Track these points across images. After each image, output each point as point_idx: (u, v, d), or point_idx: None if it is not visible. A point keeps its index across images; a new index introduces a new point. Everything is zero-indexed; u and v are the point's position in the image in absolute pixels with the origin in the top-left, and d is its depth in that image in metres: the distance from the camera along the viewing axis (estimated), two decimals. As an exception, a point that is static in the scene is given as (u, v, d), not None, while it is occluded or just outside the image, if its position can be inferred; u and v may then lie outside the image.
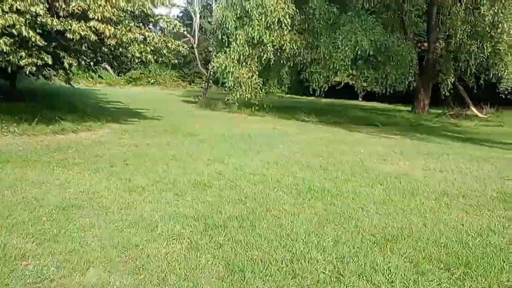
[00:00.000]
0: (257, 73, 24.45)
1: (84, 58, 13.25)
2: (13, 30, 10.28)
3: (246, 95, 24.11)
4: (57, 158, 8.96)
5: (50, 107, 16.49)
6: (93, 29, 11.35)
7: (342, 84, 36.96)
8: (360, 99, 50.92)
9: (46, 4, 10.61)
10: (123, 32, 11.75)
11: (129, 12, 12.24)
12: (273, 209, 6.10)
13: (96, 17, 11.11)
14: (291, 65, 24.80)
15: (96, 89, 39.11)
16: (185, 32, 31.46)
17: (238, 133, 15.33)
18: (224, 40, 24.74)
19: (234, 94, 24.25)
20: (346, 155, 11.36)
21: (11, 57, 10.64)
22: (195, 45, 39.57)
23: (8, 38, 10.11)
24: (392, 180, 8.38)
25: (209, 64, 35.36)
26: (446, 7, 26.60)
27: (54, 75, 13.77)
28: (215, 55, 25.33)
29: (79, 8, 11.07)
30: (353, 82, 47.73)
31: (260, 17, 22.76)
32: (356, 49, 21.40)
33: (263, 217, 5.71)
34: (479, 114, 29.84)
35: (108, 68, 24.77)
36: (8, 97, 16.73)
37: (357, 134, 17.12)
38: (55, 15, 11.05)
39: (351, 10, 24.60)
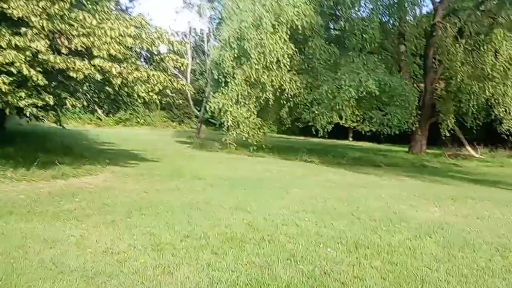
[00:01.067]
0: (255, 112, 23.84)
1: (86, 98, 12.38)
2: (12, 68, 9.46)
3: (244, 135, 23.41)
4: (65, 208, 8.04)
5: (44, 150, 15.52)
6: (97, 67, 10.59)
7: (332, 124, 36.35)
8: (350, 138, 50.72)
9: (47, 41, 9.82)
10: (130, 71, 10.99)
11: (134, 50, 11.56)
12: (332, 272, 5.25)
13: (101, 55, 10.35)
14: (291, 105, 24.23)
15: (85, 129, 38.18)
16: (177, 72, 30.85)
17: (245, 176, 14.63)
18: (220, 80, 24.18)
19: (232, 134, 23.52)
20: (370, 200, 10.76)
21: (9, 97, 9.78)
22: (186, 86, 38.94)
23: (7, 76, 9.26)
24: (437, 230, 7.68)
25: (202, 105, 34.91)
26: (444, 47, 26.46)
27: (42, 116, 12.84)
28: (212, 95, 24.67)
29: (82, 45, 10.32)
30: (343, 122, 47.98)
31: (259, 57, 22.28)
32: (361, 89, 20.88)
33: (326, 284, 4.86)
34: (475, 154, 29.66)
35: (97, 109, 23.94)
36: (-3, 139, 15.69)
37: (367, 176, 16.46)
38: (55, 52, 10.26)
39: (350, 50, 24.34)
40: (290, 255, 5.84)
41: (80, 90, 12.23)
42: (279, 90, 22.90)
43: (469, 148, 30.37)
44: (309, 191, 11.85)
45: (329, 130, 23.00)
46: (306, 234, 7.07)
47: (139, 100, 12.41)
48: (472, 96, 25.83)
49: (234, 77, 23.29)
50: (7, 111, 10.85)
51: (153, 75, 11.94)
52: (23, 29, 9.36)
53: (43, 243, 5.85)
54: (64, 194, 9.46)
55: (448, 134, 28.47)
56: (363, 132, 39.80)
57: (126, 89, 11.84)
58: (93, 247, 5.82)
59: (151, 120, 52.31)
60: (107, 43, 10.36)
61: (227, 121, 23.33)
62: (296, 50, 23.02)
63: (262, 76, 22.63)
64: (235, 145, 23.67)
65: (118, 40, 10.62)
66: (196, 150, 25.10)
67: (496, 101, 25.26)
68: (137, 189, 10.78)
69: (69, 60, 9.89)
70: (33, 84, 10.06)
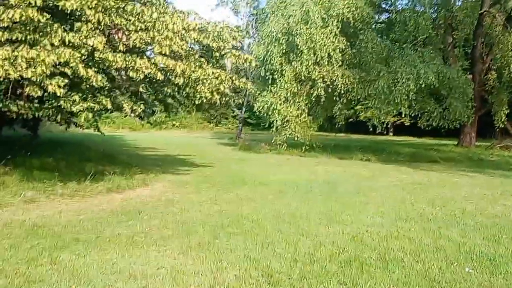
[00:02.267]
0: (306, 110, 22.50)
1: (143, 101, 11.17)
2: (66, 69, 8.31)
3: (296, 134, 22.08)
4: (137, 230, 6.84)
5: (87, 159, 14.55)
6: (159, 66, 9.41)
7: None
8: (391, 133, 49.02)
9: (103, 37, 8.65)
10: (194, 69, 9.77)
11: (199, 46, 10.36)
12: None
13: (163, 52, 9.14)
14: (344, 101, 22.85)
15: (121, 135, 37.35)
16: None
17: (311, 179, 13.38)
18: (268, 77, 22.86)
19: (282, 134, 22.22)
20: (458, 201, 9.86)
21: (62, 102, 8.64)
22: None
23: (62, 78, 8.09)
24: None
25: (243, 105, 33.73)
26: (494, 37, 24.91)
27: (95, 121, 11.66)
28: (258, 93, 23.36)
29: (141, 41, 9.13)
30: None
31: (310, 52, 20.95)
32: (420, 82, 19.41)
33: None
34: None
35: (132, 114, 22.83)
36: (32, 149, 14.50)
37: (434, 174, 15.15)
38: (111, 50, 9.08)
39: (401, 43, 22.94)
40: (431, 281, 4.78)
41: (136, 91, 11.01)
42: (331, 86, 21.50)
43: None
44: (388, 194, 10.74)
45: (388, 126, 21.55)
46: (425, 249, 6.04)
47: (203, 100, 11.12)
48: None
49: (282, 74, 21.98)
50: (58, 117, 9.78)
51: (215, 73, 10.71)
52: (77, 24, 8.19)
53: (131, 281, 4.66)
54: (128, 212, 8.28)
55: (502, 126, 27.08)
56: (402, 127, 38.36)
57: (187, 89, 10.61)
58: (195, 282, 4.63)
59: (187, 122, 51.45)
60: (169, 38, 9.13)
61: (277, 120, 22.04)
62: (347, 44, 21.63)
63: (312, 72, 21.28)
64: (286, 145, 22.34)
65: (181, 35, 9.41)
66: (244, 152, 23.85)
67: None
68: (204, 201, 9.57)
69: (128, 59, 8.69)
70: (87, 86, 8.93)
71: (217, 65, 12.07)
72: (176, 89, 11.00)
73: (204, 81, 10.27)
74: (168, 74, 9.87)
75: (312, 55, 20.99)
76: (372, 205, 9.21)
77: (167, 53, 9.24)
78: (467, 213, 8.50)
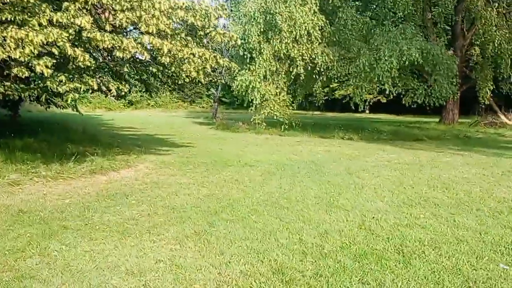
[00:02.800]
0: (284, 89, 22.32)
1: (129, 81, 10.79)
2: (53, 49, 7.96)
3: (275, 113, 21.91)
4: (126, 216, 6.57)
5: (68, 139, 14.12)
6: (145, 45, 9.08)
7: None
8: (367, 111, 49.23)
9: (90, 17, 8.29)
10: (179, 48, 9.45)
11: (185, 24, 10.01)
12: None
13: (150, 31, 8.81)
14: (324, 79, 22.70)
15: (98, 114, 36.70)
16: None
17: (296, 159, 13.21)
18: (246, 56, 22.56)
19: (261, 113, 22.02)
20: (460, 183, 9.41)
21: (48, 82, 8.28)
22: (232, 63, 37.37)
23: (49, 58, 7.73)
24: None
25: (218, 84, 33.29)
26: (477, 12, 24.82)
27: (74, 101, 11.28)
28: (236, 72, 23.04)
29: (127, 20, 8.77)
30: (352, 94, 46.43)
31: (289, 30, 20.71)
32: (403, 59, 19.29)
33: None
34: (508, 122, 28.24)
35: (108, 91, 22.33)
36: (13, 129, 14.05)
37: (422, 153, 14.93)
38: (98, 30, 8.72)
39: (381, 19, 22.80)
40: (465, 279, 4.42)
41: (120, 71, 10.64)
42: (310, 64, 21.34)
43: (502, 115, 29.02)
44: (381, 175, 10.42)
45: (370, 103, 21.53)
46: (445, 240, 5.64)
47: (186, 80, 10.83)
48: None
49: (261, 53, 21.71)
50: (43, 97, 9.41)
51: (199, 52, 10.40)
52: (65, 4, 7.82)
53: (129, 278, 4.42)
54: (114, 195, 8.00)
55: (487, 102, 27.00)
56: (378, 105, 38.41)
57: (173, 68, 10.29)
58: (198, 279, 4.41)
59: (162, 101, 50.82)
60: (155, 17, 8.80)
61: (256, 99, 21.82)
62: (327, 22, 21.41)
63: (292, 50, 21.07)
64: (265, 124, 22.17)
65: (167, 13, 9.08)
66: (222, 132, 23.59)
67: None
68: (191, 183, 9.35)
69: (116, 38, 8.35)
70: (74, 66, 8.57)
71: (201, 44, 11.73)
72: (161, 68, 10.64)
73: (190, 60, 9.95)
74: (155, 53, 9.53)
75: (291, 33, 20.76)
76: (368, 187, 8.97)
77: (154, 32, 8.92)
78: (475, 196, 8.13)
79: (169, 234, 5.75)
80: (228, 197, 7.98)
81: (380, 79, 19.60)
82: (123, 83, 9.98)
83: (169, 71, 10.91)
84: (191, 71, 10.07)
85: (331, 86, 37.23)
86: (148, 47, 9.35)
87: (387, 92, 20.51)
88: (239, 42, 11.13)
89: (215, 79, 13.08)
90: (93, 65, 8.96)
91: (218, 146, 16.63)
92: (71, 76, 8.50)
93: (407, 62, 19.48)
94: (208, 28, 10.87)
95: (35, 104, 18.93)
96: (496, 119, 28.14)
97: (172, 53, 9.26)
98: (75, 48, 7.79)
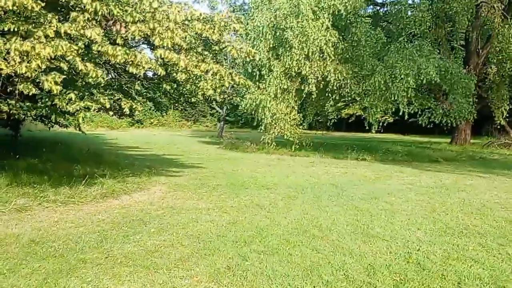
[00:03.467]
0: (296, 108, 21.74)
1: (141, 99, 10.14)
2: (62, 64, 7.36)
3: (285, 133, 21.30)
4: (148, 247, 5.95)
5: (73, 160, 13.51)
6: (159, 61, 8.48)
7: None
8: (373, 131, 48.49)
9: (101, 29, 7.70)
10: (196, 64, 8.85)
11: (202, 38, 9.41)
12: None
13: (164, 44, 8.21)
14: (336, 98, 22.10)
15: (101, 133, 36.13)
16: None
17: (314, 182, 12.61)
18: (254, 73, 22.05)
19: (271, 133, 21.42)
20: (493, 209, 8.90)
21: (57, 100, 7.65)
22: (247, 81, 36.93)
23: (58, 74, 7.11)
24: None
25: (224, 102, 32.74)
26: (493, 29, 24.26)
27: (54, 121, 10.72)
28: (245, 90, 22.48)
29: (140, 33, 8.18)
30: (366, 114, 45.95)
31: (300, 46, 20.17)
32: (421, 78, 18.67)
33: None
34: None
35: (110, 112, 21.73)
36: (16, 150, 13.39)
37: (442, 175, 14.41)
38: (109, 43, 8.12)
39: (397, 36, 22.26)
40: None
41: (132, 88, 10.03)
42: (322, 82, 20.78)
43: (513, 135, 28.43)
44: (408, 200, 9.86)
45: (384, 124, 20.89)
46: (505, 277, 5.08)
47: (201, 98, 10.24)
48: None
49: (271, 70, 21.17)
50: (52, 117, 8.79)
51: (214, 68, 9.78)
52: (73, 14, 7.21)
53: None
54: (132, 223, 7.37)
55: (503, 123, 26.32)
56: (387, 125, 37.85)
57: (188, 86, 9.68)
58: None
59: (165, 120, 50.30)
60: (170, 30, 8.20)
61: (266, 118, 21.22)
62: (340, 37, 20.85)
63: (303, 67, 20.52)
64: (275, 144, 21.56)
65: (183, 26, 8.50)
66: (231, 152, 22.96)
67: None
68: (210, 208, 8.73)
69: (129, 52, 7.74)
70: (83, 83, 7.97)
71: (215, 59, 11.16)
72: (174, 85, 10.03)
73: (207, 77, 9.35)
74: (169, 69, 8.93)
75: (303, 49, 20.22)
76: (400, 214, 8.38)
77: (169, 46, 8.33)
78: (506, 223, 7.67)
79: (200, 269, 5.13)
80: (253, 224, 7.35)
81: (396, 98, 18.92)
82: (135, 101, 9.31)
83: (184, 89, 10.27)
84: (208, 88, 9.46)
85: (337, 105, 36.63)
86: (164, 62, 8.70)
87: (401, 113, 19.73)
88: (257, 58, 10.51)
89: (230, 97, 12.48)
90: (105, 82, 8.35)
91: (229, 167, 16.01)
92: (81, 93, 7.86)
93: (424, 81, 18.83)
94: (223, 43, 10.28)
95: (35, 123, 18.35)
96: (509, 140, 27.46)
97: (188, 69, 8.64)
98: (87, 63, 7.15)
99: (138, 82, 9.78)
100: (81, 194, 9.29)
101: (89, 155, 16.19)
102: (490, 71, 26.25)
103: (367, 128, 21.20)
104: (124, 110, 8.73)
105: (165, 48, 8.32)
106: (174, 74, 8.86)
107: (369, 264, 5.42)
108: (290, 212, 8.45)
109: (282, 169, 15.67)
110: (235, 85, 10.84)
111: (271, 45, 21.29)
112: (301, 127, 22.66)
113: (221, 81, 9.79)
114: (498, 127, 28.02)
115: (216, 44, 10.61)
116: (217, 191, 10.67)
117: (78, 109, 7.71)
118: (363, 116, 22.90)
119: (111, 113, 13.79)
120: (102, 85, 8.72)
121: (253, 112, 22.14)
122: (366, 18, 23.89)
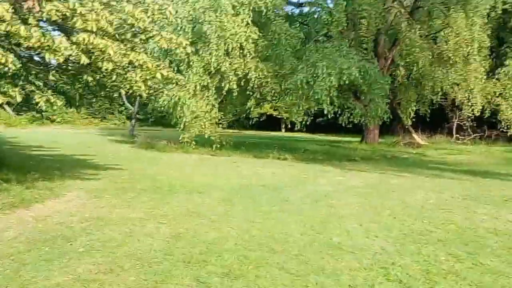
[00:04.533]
0: (216, 105, 20.79)
1: (50, 92, 8.61)
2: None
3: (206, 131, 20.30)
4: (81, 276, 4.82)
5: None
6: (82, 46, 7.22)
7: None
8: (283, 130, 49.22)
9: (9, 4, 6.38)
10: (125, 52, 7.70)
11: (128, 24, 8.18)
12: None
13: (88, 28, 7.00)
14: (258, 96, 21.41)
15: (-3, 131, 33.14)
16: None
17: (246, 183, 11.97)
18: (173, 69, 20.82)
19: (191, 131, 20.33)
20: (436, 212, 8.67)
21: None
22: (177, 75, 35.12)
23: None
24: None
25: (136, 99, 31.14)
26: (400, 32, 24.90)
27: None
28: (162, 86, 21.17)
29: (57, 13, 6.92)
30: (277, 114, 46.23)
31: (219, 42, 19.30)
32: (344, 77, 18.37)
33: None
34: (421, 142, 28.90)
35: (6, 106, 19.70)
36: None
37: (367, 175, 14.37)
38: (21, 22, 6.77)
39: (315, 35, 22.06)
40: None
41: (47, 79, 8.60)
42: (243, 80, 20.00)
43: (415, 136, 29.49)
44: (347, 202, 9.42)
45: (307, 123, 20.50)
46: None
47: (129, 91, 9.03)
48: (435, 83, 24.94)
49: (190, 65, 20.10)
50: None
51: (139, 60, 8.62)
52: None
53: None
54: (52, 240, 6.12)
55: (410, 123, 27.60)
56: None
57: (114, 77, 8.43)
58: None
59: (70, 117, 47.36)
60: (94, 11, 7.01)
61: (185, 117, 20.09)
62: (260, 34, 20.18)
63: (223, 64, 19.66)
64: (194, 144, 20.49)
65: (110, 7, 7.33)
66: (148, 151, 21.52)
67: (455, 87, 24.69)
68: (143, 217, 7.64)
69: (46, 35, 6.46)
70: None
71: (141, 49, 9.97)
72: (97, 77, 8.77)
73: (137, 67, 8.21)
74: (93, 57, 7.68)
75: (222, 45, 19.38)
76: (348, 219, 7.81)
77: (94, 30, 7.13)
78: (467, 228, 7.30)
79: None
80: (200, 238, 6.40)
81: (319, 97, 18.49)
82: (54, 95, 7.96)
83: (109, 81, 9.01)
84: (137, 80, 8.31)
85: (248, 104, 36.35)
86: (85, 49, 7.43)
87: (325, 112, 19.38)
88: (189, 49, 9.51)
89: (156, 92, 11.38)
90: (16, 70, 7.00)
91: (150, 168, 14.87)
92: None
93: (347, 81, 18.59)
94: (151, 31, 9.16)
95: None
96: (412, 140, 28.55)
97: (116, 57, 7.47)
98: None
99: (53, 71, 8.38)
100: (-17, 205, 7.83)
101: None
102: (398, 73, 27.01)
103: (289, 126, 20.73)
104: (39, 105, 7.35)
105: (88, 31, 7.12)
106: (100, 63, 7.61)
107: (349, 286, 4.67)
108: (234, 220, 7.59)
109: (208, 170, 14.78)
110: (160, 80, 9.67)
111: (190, 39, 20.14)
112: (221, 126, 21.71)
113: (151, 73, 8.68)
114: (403, 127, 28.85)
115: (142, 32, 9.42)
116: (145, 197, 9.59)
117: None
118: (275, 115, 22.57)
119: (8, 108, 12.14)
120: (9, 74, 7.35)
121: (171, 110, 20.89)
122: (284, 18, 23.53)
